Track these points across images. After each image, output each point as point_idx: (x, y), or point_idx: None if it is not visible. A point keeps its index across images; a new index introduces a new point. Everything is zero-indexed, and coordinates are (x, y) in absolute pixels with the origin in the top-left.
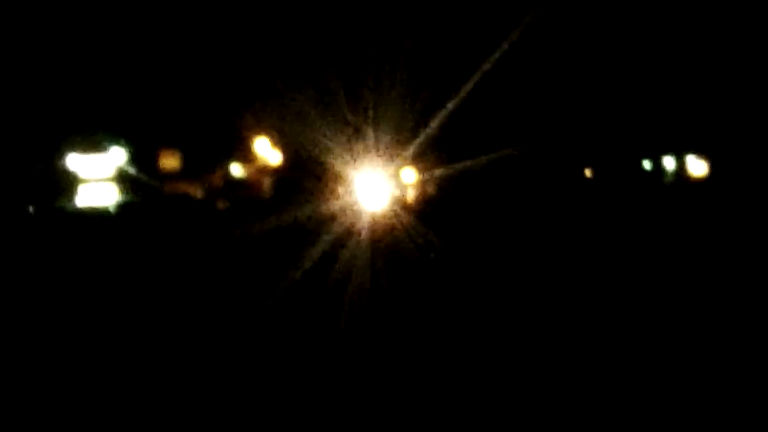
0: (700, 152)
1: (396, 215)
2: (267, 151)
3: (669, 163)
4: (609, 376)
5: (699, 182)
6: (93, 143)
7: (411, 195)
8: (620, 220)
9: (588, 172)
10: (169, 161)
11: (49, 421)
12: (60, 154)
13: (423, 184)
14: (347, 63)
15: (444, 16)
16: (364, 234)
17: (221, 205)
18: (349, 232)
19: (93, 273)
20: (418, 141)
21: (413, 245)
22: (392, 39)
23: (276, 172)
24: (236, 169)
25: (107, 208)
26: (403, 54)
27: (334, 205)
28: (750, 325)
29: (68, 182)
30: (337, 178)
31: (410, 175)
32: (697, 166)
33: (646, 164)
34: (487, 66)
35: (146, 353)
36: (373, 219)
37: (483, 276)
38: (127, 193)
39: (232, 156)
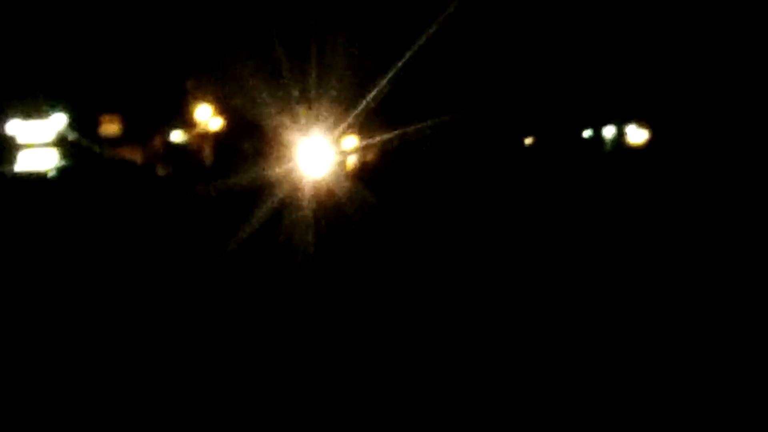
0: (641, 121)
1: (338, 181)
2: (207, 117)
3: (609, 131)
4: (561, 349)
5: (639, 150)
6: (33, 108)
7: (351, 161)
8: (560, 189)
9: (528, 140)
10: (110, 126)
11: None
12: (0, 119)
13: (363, 151)
14: (290, 29)
15: None
16: (307, 199)
17: (162, 170)
18: (292, 198)
19: (33, 238)
20: (359, 108)
21: (356, 213)
22: (335, 6)
23: (217, 138)
24: (177, 135)
25: (47, 172)
26: (346, 21)
27: (277, 171)
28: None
29: (8, 147)
30: (280, 144)
31: (350, 142)
32: (637, 135)
33: (586, 133)
34: (429, 34)
35: (86, 320)
36: (315, 185)
37: (425, 242)
38: (68, 157)
39: (172, 122)
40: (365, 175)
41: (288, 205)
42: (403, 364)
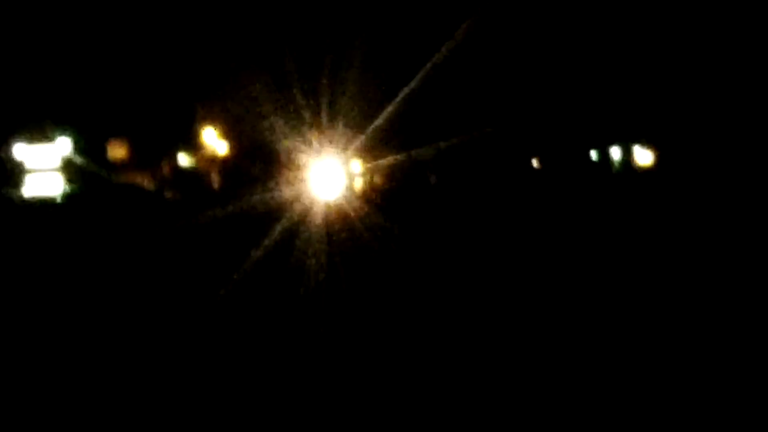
0: (647, 142)
1: (349, 204)
2: (214, 141)
3: (616, 153)
4: (563, 359)
5: (646, 171)
6: (39, 133)
7: (359, 185)
8: (569, 210)
9: (535, 162)
10: (117, 151)
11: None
12: (6, 143)
13: (370, 173)
14: (296, 53)
15: (394, 6)
16: (319, 222)
17: (170, 195)
18: (303, 221)
19: (40, 264)
20: (368, 131)
21: (369, 234)
22: (342, 30)
23: (225, 162)
24: (183, 159)
25: (54, 198)
26: (353, 44)
27: (287, 194)
28: (701, 310)
29: (14, 172)
30: (289, 166)
31: (357, 165)
32: (644, 156)
33: (594, 154)
34: (435, 58)
35: (94, 346)
36: (327, 207)
37: (436, 265)
38: (75, 183)
39: (181, 146)
40: (374, 198)
41: (298, 228)
42: (412, 385)
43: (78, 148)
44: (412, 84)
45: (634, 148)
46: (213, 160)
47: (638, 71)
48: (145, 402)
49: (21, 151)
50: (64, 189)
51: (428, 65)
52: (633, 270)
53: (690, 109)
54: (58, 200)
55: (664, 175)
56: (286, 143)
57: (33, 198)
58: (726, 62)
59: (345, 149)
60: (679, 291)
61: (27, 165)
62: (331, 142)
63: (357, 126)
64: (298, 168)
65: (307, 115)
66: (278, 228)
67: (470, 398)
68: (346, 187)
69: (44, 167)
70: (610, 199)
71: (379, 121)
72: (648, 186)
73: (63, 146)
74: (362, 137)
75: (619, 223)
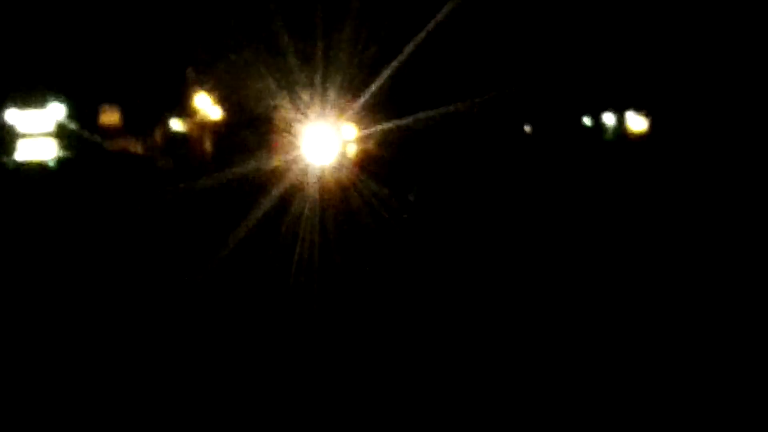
0: (640, 109)
1: (343, 170)
2: (207, 107)
3: (609, 119)
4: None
5: (639, 138)
6: (32, 98)
7: (352, 151)
8: (561, 177)
9: (528, 128)
10: (109, 117)
11: None
12: None
13: (364, 140)
14: (289, 18)
15: None
16: (312, 190)
17: (162, 161)
18: (298, 187)
19: (33, 230)
20: (361, 98)
21: (363, 201)
22: None
23: (217, 128)
24: (176, 125)
25: (47, 162)
26: (347, 9)
27: (280, 161)
28: (688, 280)
29: (7, 136)
30: (283, 133)
31: (350, 132)
32: (637, 123)
33: (587, 120)
34: (429, 25)
35: (86, 314)
36: (321, 173)
37: (430, 235)
38: (67, 148)
39: (173, 112)
40: (367, 165)
41: (291, 195)
42: (408, 362)
43: (70, 113)
44: (406, 50)
45: (627, 115)
46: (205, 126)
47: (631, 38)
48: (135, 379)
49: (13, 115)
50: (57, 154)
51: (422, 32)
52: (626, 242)
53: (683, 77)
54: (51, 165)
55: (657, 142)
56: (280, 109)
57: (26, 162)
58: (718, 29)
59: (339, 115)
60: (673, 264)
61: (19, 129)
62: (324, 107)
63: (351, 92)
64: (292, 134)
65: (300, 80)
66: (272, 195)
67: (461, 383)
68: (340, 154)
69: (37, 132)
70: (602, 166)
71: (373, 87)
72: (641, 153)
73: (55, 111)
74: (356, 103)
75: (612, 192)
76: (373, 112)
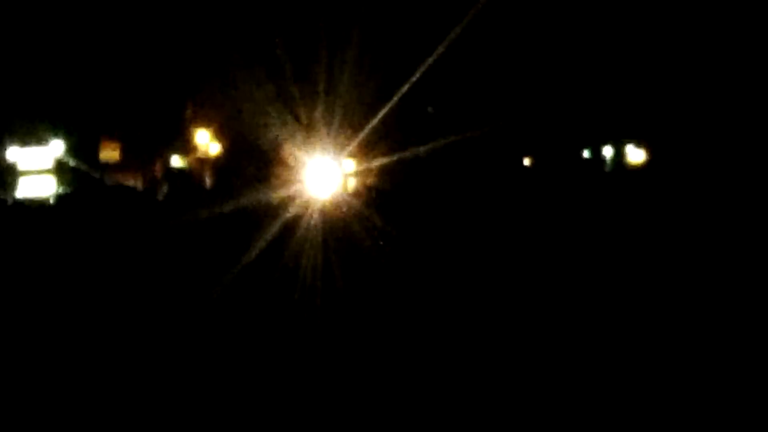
0: (640, 141)
1: (344, 202)
2: (207, 142)
3: (608, 151)
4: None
5: (639, 170)
6: (32, 135)
7: (351, 184)
8: (561, 208)
9: (528, 161)
10: (110, 152)
11: None
12: (0, 146)
13: (363, 173)
14: (290, 54)
15: (389, 7)
16: (313, 221)
17: (161, 195)
18: (298, 219)
19: (34, 264)
20: (362, 131)
21: (363, 231)
22: (336, 32)
23: (217, 161)
24: (176, 160)
25: (47, 198)
26: (347, 45)
27: (281, 193)
28: (686, 302)
29: (8, 174)
30: (284, 166)
31: (349, 165)
32: (636, 155)
33: (586, 153)
34: (429, 60)
35: (87, 344)
36: (322, 206)
37: (429, 262)
38: (67, 184)
39: (172, 146)
40: (368, 197)
41: (293, 226)
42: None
43: (71, 149)
44: (406, 85)
45: (626, 147)
46: (205, 159)
47: (631, 71)
48: (137, 397)
49: (14, 153)
50: (57, 190)
51: (422, 66)
52: (625, 267)
53: (682, 109)
54: (51, 201)
55: (656, 174)
56: (280, 143)
57: (27, 199)
58: (717, 63)
59: (339, 149)
60: (671, 286)
61: (20, 167)
62: (325, 142)
63: (351, 126)
64: (293, 168)
65: (301, 115)
66: (273, 226)
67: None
68: (340, 186)
69: (37, 169)
70: (602, 197)
71: (373, 122)
72: (640, 184)
73: (56, 148)
74: (356, 137)
75: (611, 221)
76: (374, 145)
